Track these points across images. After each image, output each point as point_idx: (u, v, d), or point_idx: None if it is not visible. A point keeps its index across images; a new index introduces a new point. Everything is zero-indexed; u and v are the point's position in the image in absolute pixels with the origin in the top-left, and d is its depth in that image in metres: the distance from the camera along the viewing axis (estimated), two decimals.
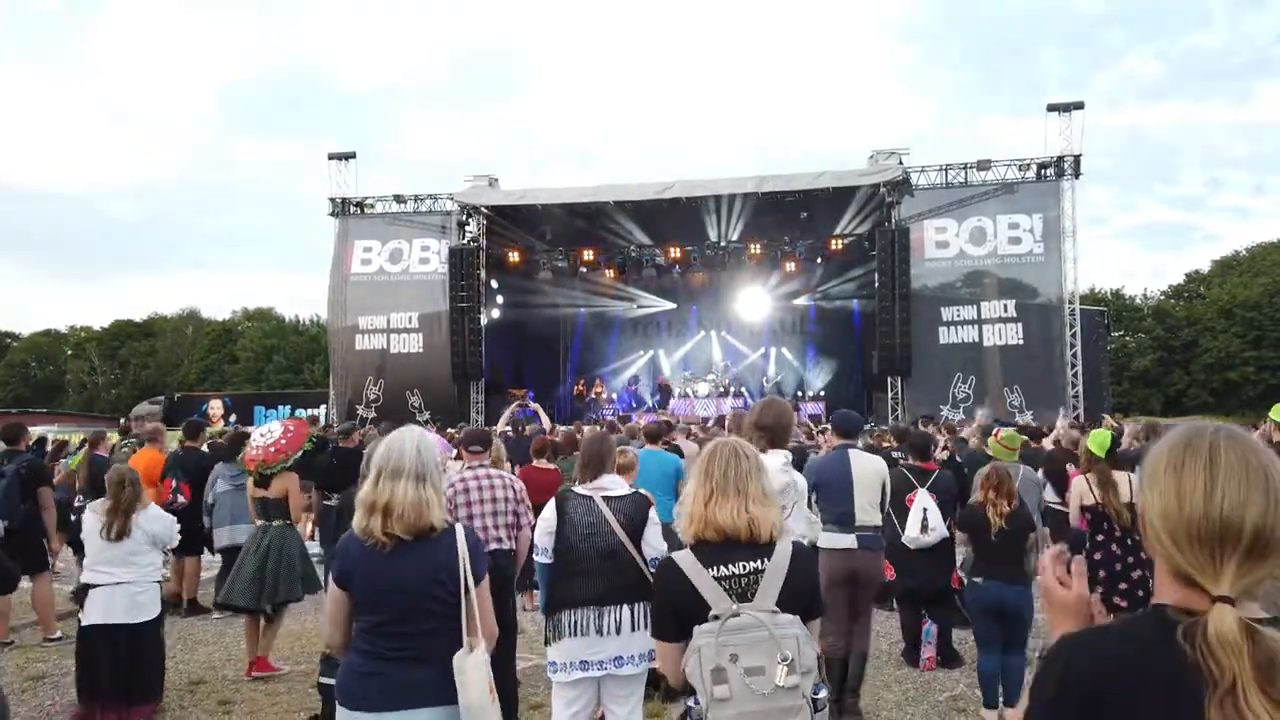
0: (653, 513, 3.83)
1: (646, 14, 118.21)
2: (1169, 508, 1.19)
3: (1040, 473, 7.34)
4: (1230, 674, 1.08)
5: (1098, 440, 5.47)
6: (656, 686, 5.16)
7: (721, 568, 2.20)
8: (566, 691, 3.75)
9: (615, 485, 3.89)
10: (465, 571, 2.47)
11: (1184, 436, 1.24)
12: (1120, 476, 5.28)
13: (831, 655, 4.83)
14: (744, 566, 2.20)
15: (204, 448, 8.27)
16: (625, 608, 3.70)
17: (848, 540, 4.84)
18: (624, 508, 3.78)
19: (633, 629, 3.70)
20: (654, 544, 3.79)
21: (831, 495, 4.90)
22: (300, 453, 5.71)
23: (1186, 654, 1.11)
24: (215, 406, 29.06)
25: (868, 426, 11.84)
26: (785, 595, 2.17)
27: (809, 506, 4.54)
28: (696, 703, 2.10)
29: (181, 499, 7.29)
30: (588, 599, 3.68)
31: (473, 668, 2.39)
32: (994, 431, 6.97)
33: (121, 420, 20.63)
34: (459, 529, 2.55)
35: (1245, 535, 1.14)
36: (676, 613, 2.20)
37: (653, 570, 3.79)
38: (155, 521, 4.91)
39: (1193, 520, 1.16)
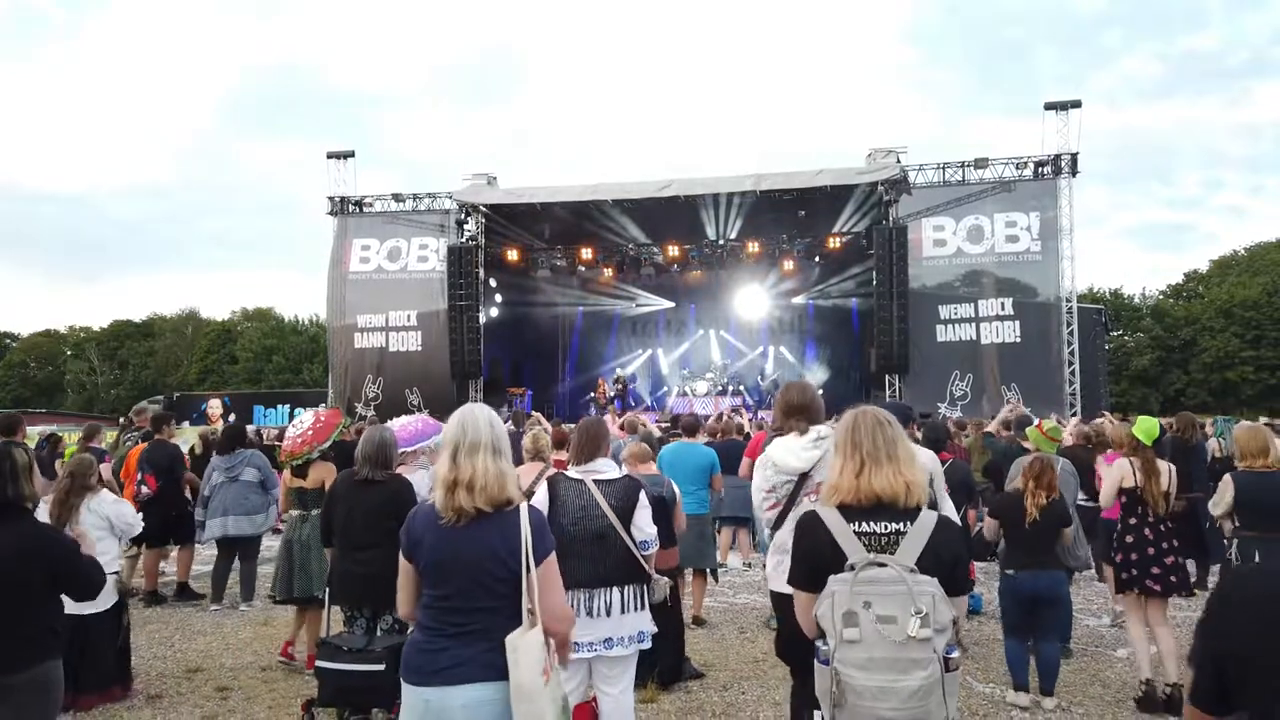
0: (643, 496, 3.86)
1: (645, 13, 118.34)
2: None
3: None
4: None
5: (1145, 428, 5.46)
6: (651, 673, 5.20)
7: (864, 524, 2.25)
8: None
9: (607, 468, 3.93)
10: (528, 549, 2.42)
11: None
12: (1162, 465, 5.32)
13: None
14: (886, 527, 2.24)
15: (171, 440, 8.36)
16: (615, 590, 3.74)
17: None
18: (615, 491, 3.82)
19: (623, 611, 3.74)
20: (644, 528, 3.82)
21: None
22: (330, 442, 5.73)
23: None
24: (214, 406, 29.00)
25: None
26: (926, 559, 2.19)
27: None
28: (825, 644, 2.13)
29: (145, 490, 7.42)
30: (578, 581, 3.70)
31: (525, 647, 2.34)
32: (1036, 422, 6.93)
33: (121, 420, 20.66)
34: (524, 507, 2.51)
35: None
36: (815, 563, 2.25)
37: (643, 554, 3.83)
38: (106, 505, 4.97)
39: None
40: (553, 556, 2.53)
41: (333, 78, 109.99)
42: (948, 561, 2.22)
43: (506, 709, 2.36)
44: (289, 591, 5.65)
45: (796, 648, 3.77)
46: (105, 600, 4.92)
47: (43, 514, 4.80)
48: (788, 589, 3.60)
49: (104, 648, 5.01)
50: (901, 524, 2.24)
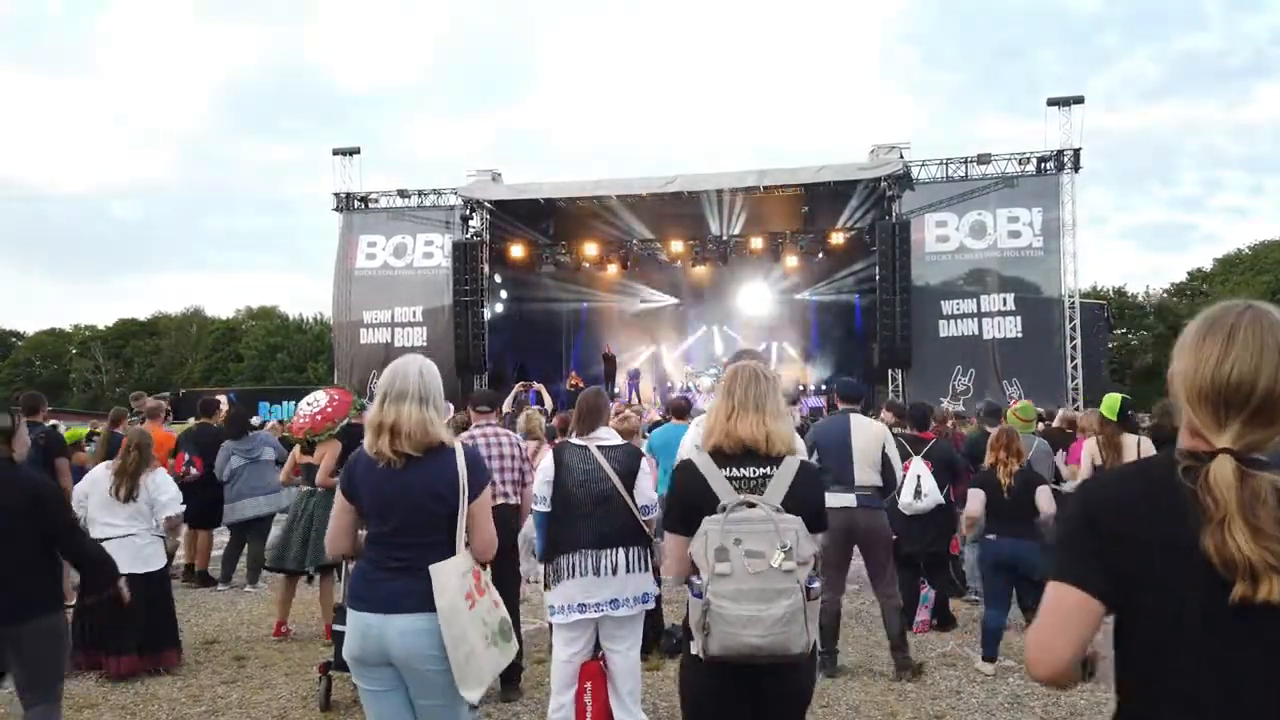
0: (644, 462, 3.99)
1: (649, 10, 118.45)
2: (1188, 371, 1.38)
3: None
4: (1223, 509, 1.27)
5: (1109, 404, 5.56)
6: (658, 642, 5.32)
7: (734, 469, 2.40)
8: (566, 632, 3.90)
9: (610, 436, 4.05)
10: (463, 485, 2.60)
11: (1213, 313, 1.41)
12: (1128, 440, 5.40)
13: (824, 608, 5.00)
14: (754, 471, 2.40)
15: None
16: (620, 550, 3.85)
17: (848, 499, 5.02)
18: (618, 456, 3.95)
19: (628, 571, 3.85)
20: (646, 492, 3.95)
21: (832, 456, 5.08)
22: (346, 419, 5.85)
23: (1187, 490, 1.31)
24: (220, 402, 29.22)
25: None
26: (790, 501, 2.35)
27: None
28: (699, 579, 2.27)
29: (194, 471, 7.51)
30: (585, 543, 3.83)
31: (446, 573, 2.52)
32: (1011, 403, 7.09)
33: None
34: (459, 447, 2.68)
35: (1254, 399, 1.31)
36: (688, 507, 2.39)
37: (645, 518, 3.96)
38: (159, 488, 5.11)
39: (1204, 383, 1.35)
40: (486, 491, 2.70)
41: (338, 75, 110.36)
42: (809, 504, 2.40)
43: (440, 638, 2.52)
44: (281, 562, 5.79)
45: None
46: (159, 560, 5.13)
47: (103, 485, 4.97)
48: None
49: (167, 605, 5.20)
50: (768, 468, 2.40)
